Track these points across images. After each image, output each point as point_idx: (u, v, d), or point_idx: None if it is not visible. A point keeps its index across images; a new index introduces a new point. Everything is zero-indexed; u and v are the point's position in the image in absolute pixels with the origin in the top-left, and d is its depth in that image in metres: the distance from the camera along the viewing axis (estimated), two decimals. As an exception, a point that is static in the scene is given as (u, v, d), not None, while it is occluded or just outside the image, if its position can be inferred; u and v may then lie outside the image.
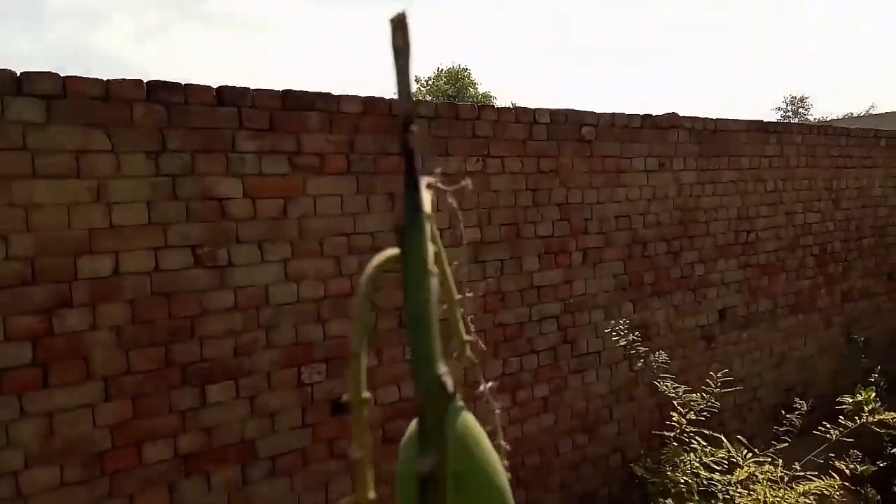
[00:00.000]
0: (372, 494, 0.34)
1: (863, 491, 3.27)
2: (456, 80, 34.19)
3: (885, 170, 6.38)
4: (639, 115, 4.42)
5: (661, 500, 2.98)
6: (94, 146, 2.56)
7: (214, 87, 2.84)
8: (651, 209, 4.49)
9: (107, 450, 2.59)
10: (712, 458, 2.96)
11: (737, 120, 5.04)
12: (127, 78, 2.64)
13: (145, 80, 2.68)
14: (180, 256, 2.75)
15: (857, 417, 3.08)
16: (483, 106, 3.79)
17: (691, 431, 3.05)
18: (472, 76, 35.05)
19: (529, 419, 3.89)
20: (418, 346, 0.33)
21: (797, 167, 5.50)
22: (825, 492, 2.85)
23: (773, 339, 5.34)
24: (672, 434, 3.08)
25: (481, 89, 34.79)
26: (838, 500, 3.00)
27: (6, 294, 2.39)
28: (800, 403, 3.28)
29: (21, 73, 2.43)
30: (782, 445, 3.07)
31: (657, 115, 4.54)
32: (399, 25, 0.34)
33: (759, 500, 2.75)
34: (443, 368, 0.33)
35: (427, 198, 0.37)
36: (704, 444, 3.03)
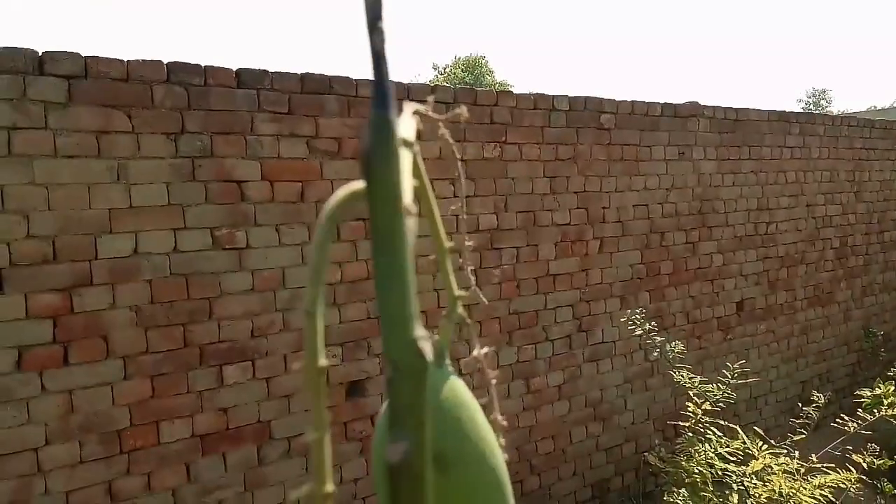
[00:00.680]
0: (330, 486, 0.29)
1: (879, 485, 3.24)
2: (473, 68, 34.05)
3: (909, 162, 6.27)
4: (659, 103, 4.37)
5: (675, 489, 2.97)
6: (114, 127, 2.57)
7: (234, 69, 2.85)
8: (669, 199, 4.45)
9: (125, 428, 2.62)
10: (727, 449, 2.94)
11: (758, 110, 4.97)
12: (148, 59, 2.64)
13: (165, 62, 2.69)
14: (199, 238, 2.76)
15: (875, 411, 3.05)
16: (501, 92, 3.76)
17: (706, 422, 3.03)
18: (490, 65, 34.90)
19: (543, 407, 3.89)
20: (387, 304, 0.26)
21: (819, 158, 5.43)
22: (841, 485, 2.83)
23: (790, 332, 5.29)
24: (687, 424, 3.06)
25: (498, 77, 34.64)
26: (854, 494, 2.97)
27: (27, 272, 2.42)
28: (817, 396, 3.25)
29: (43, 53, 2.45)
30: (798, 438, 3.04)
31: (678, 104, 4.49)
32: None
33: (774, 491, 2.73)
34: (419, 331, 0.27)
35: (411, 126, 0.30)
36: (720, 434, 3.01)
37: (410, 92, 3.32)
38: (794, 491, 2.71)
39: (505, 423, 0.39)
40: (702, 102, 4.62)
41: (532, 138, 3.77)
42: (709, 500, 2.82)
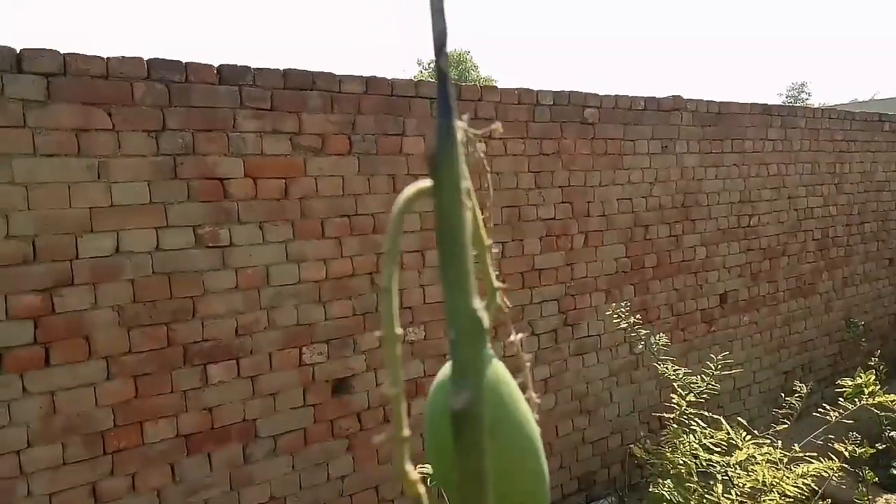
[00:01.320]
0: (406, 431, 0.33)
1: (861, 473, 3.28)
2: (458, 63, 33.99)
3: (888, 154, 6.35)
4: (642, 97, 4.39)
5: (660, 481, 2.99)
6: (94, 125, 2.55)
7: (215, 65, 2.82)
8: (653, 192, 4.47)
9: (109, 429, 2.60)
10: (711, 440, 2.97)
11: (740, 103, 5.01)
12: (128, 56, 2.61)
13: (146, 58, 2.66)
14: (181, 236, 2.74)
15: (856, 400, 3.09)
16: (486, 87, 3.76)
17: (691, 413, 3.05)
18: (474, 60, 34.86)
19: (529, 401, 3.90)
20: (452, 278, 0.31)
21: (801, 151, 5.48)
22: (823, 473, 2.86)
23: (773, 323, 5.34)
24: (671, 416, 3.08)
25: (483, 73, 34.61)
26: (836, 482, 3.01)
27: (7, 273, 2.39)
28: (799, 386, 3.28)
29: (21, 51, 2.41)
30: (781, 427, 3.08)
31: (661, 98, 4.51)
32: None
33: (757, 480, 2.76)
34: (477, 302, 0.31)
35: (460, 129, 0.35)
36: (704, 425, 3.03)
37: (394, 88, 3.31)
38: (777, 480, 2.75)
39: (538, 400, 0.45)
40: (684, 96, 4.65)
41: (517, 133, 3.78)
42: (693, 491, 2.85)
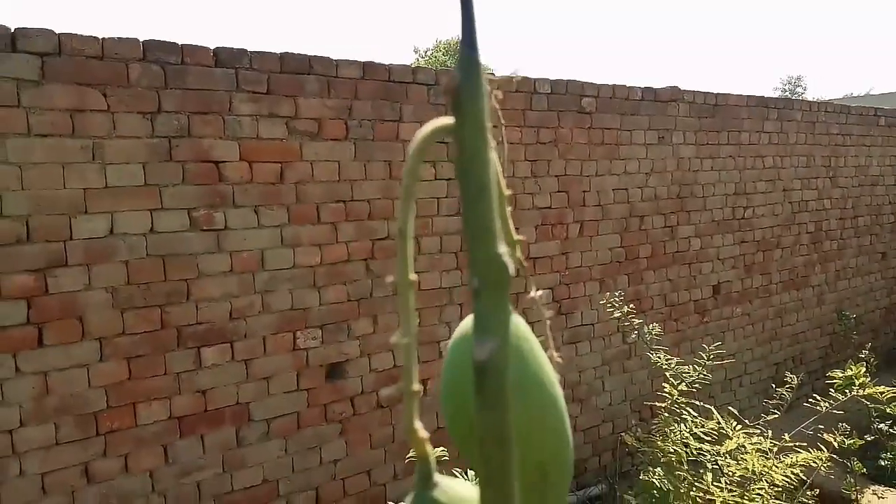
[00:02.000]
0: (417, 385, 0.31)
1: (849, 463, 3.31)
2: (455, 51, 33.85)
3: (883, 149, 6.37)
4: (639, 87, 4.38)
5: (651, 468, 3.01)
6: (89, 105, 2.53)
7: (212, 47, 2.81)
8: (649, 183, 4.48)
9: (101, 409, 2.60)
10: (702, 429, 2.99)
11: (738, 95, 5.01)
12: (123, 36, 2.59)
13: (142, 40, 2.64)
14: (176, 219, 2.74)
15: (846, 391, 3.11)
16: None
17: (682, 403, 3.07)
18: (472, 48, 34.66)
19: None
20: (475, 222, 0.29)
21: (796, 144, 5.49)
22: (812, 463, 2.89)
23: (765, 315, 5.37)
24: (663, 405, 3.10)
25: (480, 61, 34.44)
26: (825, 472, 3.04)
27: (0, 252, 2.38)
28: (790, 377, 3.31)
29: (16, 30, 2.39)
30: (772, 417, 3.10)
31: (658, 88, 4.50)
32: None
33: (747, 469, 2.78)
34: (502, 247, 0.29)
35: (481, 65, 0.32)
36: (695, 415, 3.05)
37: (391, 73, 3.29)
38: (766, 469, 2.77)
39: (560, 360, 0.42)
40: (681, 87, 4.64)
41: (513, 121, 3.77)
42: (683, 479, 2.87)
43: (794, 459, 2.85)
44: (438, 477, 0.33)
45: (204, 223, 2.80)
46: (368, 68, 3.22)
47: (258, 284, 2.95)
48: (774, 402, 3.21)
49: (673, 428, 3.01)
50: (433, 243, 3.49)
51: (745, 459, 2.81)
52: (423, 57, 34.30)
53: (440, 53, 33.71)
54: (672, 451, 2.94)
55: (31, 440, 2.46)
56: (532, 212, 3.90)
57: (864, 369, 3.18)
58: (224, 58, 2.82)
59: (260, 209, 2.94)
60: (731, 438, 2.89)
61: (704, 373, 3.14)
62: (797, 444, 2.91)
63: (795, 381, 3.29)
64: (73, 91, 2.49)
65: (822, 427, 3.17)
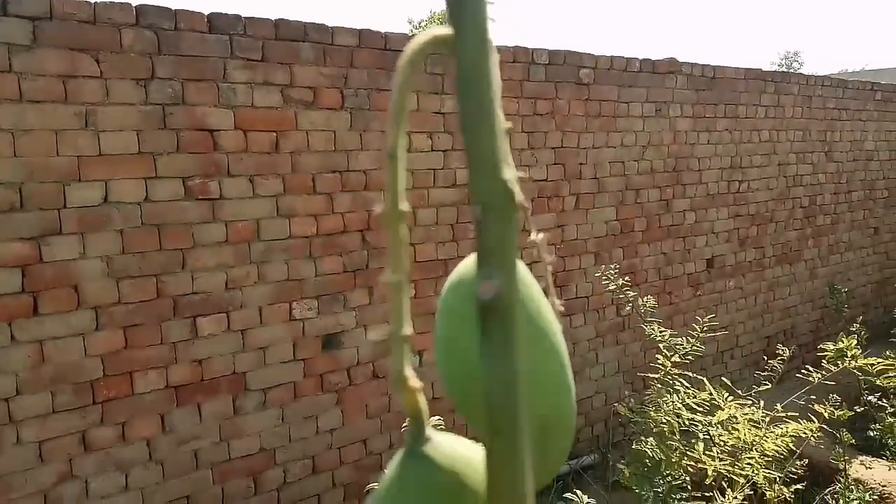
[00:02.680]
0: (408, 329, 0.28)
1: (838, 434, 3.36)
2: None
3: (878, 123, 6.36)
4: (637, 58, 4.35)
5: (643, 438, 3.05)
6: (81, 71, 2.49)
7: (205, 13, 2.76)
8: (645, 156, 4.46)
9: (98, 378, 2.60)
10: (694, 400, 3.02)
11: (735, 67, 4.98)
12: (116, 1, 2.55)
13: (134, 4, 2.59)
14: (171, 187, 2.71)
15: (837, 363, 3.15)
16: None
17: (675, 374, 3.10)
18: (467, 19, 34.28)
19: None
20: (476, 144, 0.26)
21: (792, 118, 5.47)
22: (802, 434, 2.93)
23: (758, 289, 5.41)
24: (656, 376, 3.13)
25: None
26: (815, 442, 3.08)
27: (-6, 220, 2.36)
28: (782, 349, 3.34)
29: (4, -8, 2.34)
30: (763, 388, 3.13)
31: (656, 60, 4.47)
32: None
33: (739, 439, 2.82)
34: (508, 173, 0.26)
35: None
36: (687, 386, 3.08)
37: (388, 42, 3.25)
38: (757, 439, 2.81)
39: (562, 307, 0.38)
40: (679, 59, 4.61)
41: (511, 92, 3.74)
42: (675, 449, 2.91)
43: (784, 430, 2.89)
44: (431, 431, 0.31)
45: (199, 192, 2.78)
46: (364, 36, 3.17)
47: (254, 255, 2.94)
48: (766, 374, 3.24)
49: (665, 399, 3.04)
50: (429, 215, 3.47)
51: (737, 430, 2.85)
52: (417, 28, 33.91)
53: (435, 24, 33.34)
54: (664, 421, 2.97)
55: (28, 408, 2.47)
56: (528, 184, 3.88)
57: (854, 342, 3.21)
58: (218, 24, 2.78)
59: (255, 179, 2.92)
60: (722, 409, 2.92)
61: (697, 345, 3.17)
62: (788, 414, 2.95)
63: (787, 354, 3.32)
64: (66, 56, 2.45)
65: (813, 398, 3.21)
